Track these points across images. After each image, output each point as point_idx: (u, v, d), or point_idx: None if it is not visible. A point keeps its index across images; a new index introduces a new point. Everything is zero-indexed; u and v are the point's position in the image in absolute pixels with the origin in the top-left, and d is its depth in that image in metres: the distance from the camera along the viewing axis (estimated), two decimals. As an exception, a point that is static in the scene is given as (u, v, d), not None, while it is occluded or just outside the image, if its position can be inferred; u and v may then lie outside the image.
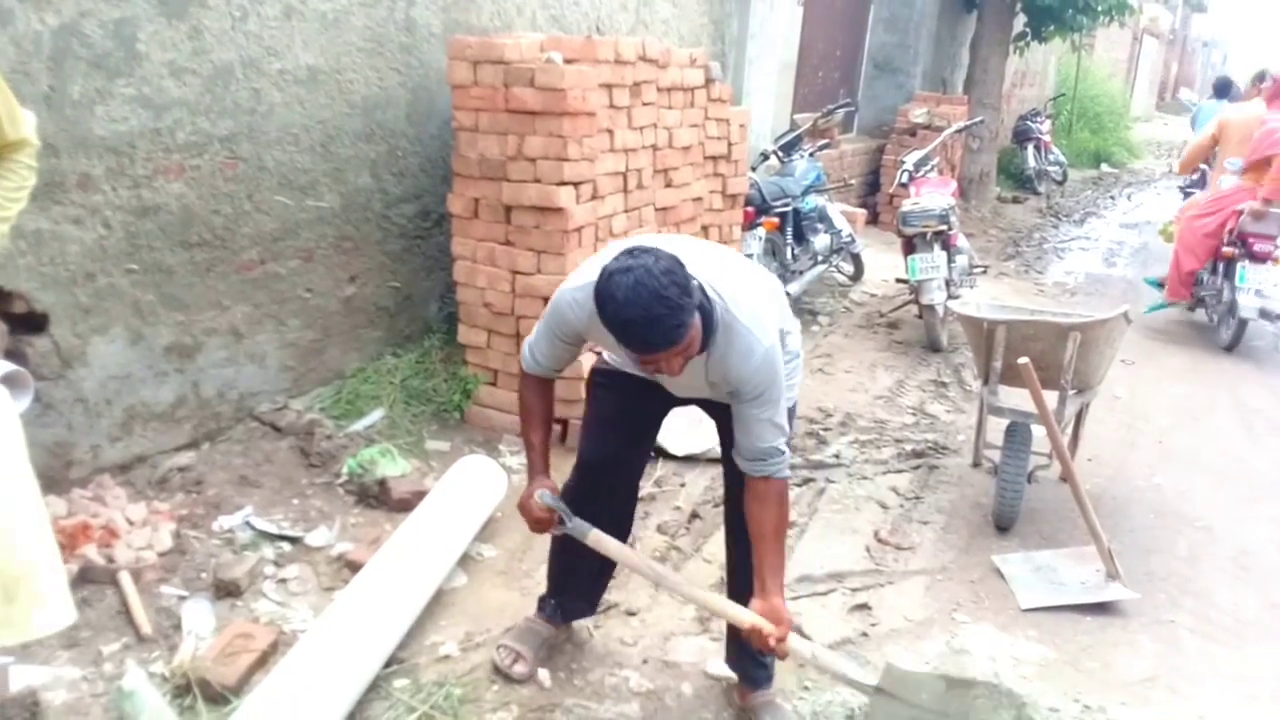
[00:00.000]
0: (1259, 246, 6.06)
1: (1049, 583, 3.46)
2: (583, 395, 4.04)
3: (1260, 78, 6.95)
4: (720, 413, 2.57)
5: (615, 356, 2.63)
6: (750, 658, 2.74)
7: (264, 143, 3.70)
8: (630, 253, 2.11)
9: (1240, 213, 6.14)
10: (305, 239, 3.95)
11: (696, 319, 2.14)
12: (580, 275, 2.36)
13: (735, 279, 2.34)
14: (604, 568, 2.91)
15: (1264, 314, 6.09)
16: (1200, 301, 6.66)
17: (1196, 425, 5.04)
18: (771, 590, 2.38)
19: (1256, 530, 4.04)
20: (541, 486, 2.53)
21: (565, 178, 3.90)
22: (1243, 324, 6.17)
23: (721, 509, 3.09)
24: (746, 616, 2.39)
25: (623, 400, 2.66)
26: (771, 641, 2.35)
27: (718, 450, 2.73)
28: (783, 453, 2.37)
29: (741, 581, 2.68)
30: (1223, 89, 9.96)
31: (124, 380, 3.41)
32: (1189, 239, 6.49)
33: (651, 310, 2.05)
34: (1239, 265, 6.08)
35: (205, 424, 3.70)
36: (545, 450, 2.60)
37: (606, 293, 2.09)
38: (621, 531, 2.87)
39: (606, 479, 2.73)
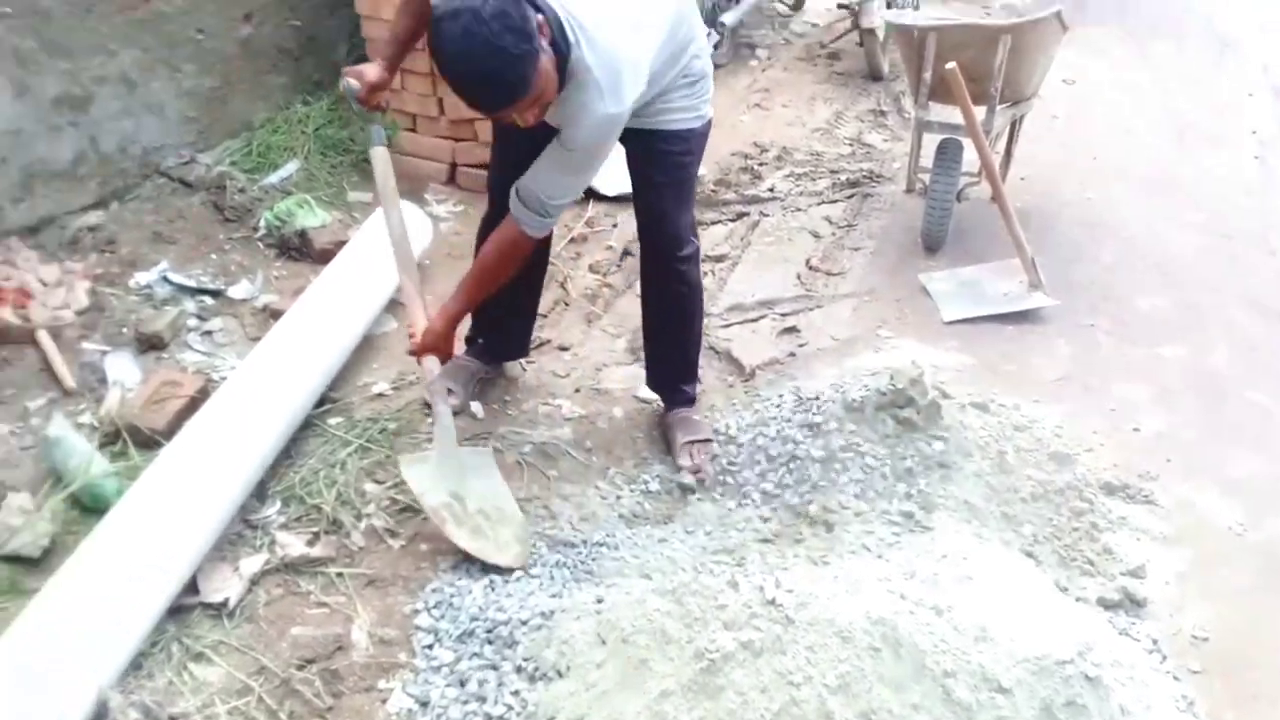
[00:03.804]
0: None
1: (973, 296, 3.53)
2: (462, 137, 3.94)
3: None
4: (633, 146, 2.43)
5: None
6: (668, 381, 2.80)
7: None
8: None
9: None
10: (188, -27, 3.63)
11: (544, 61, 1.91)
12: None
13: (610, 13, 2.07)
14: (523, 305, 2.88)
15: None
16: None
17: (1130, 140, 5.01)
18: (441, 311, 2.37)
19: (1179, 237, 4.10)
20: (351, 75, 2.42)
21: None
22: None
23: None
24: (417, 322, 2.40)
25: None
26: (409, 347, 2.42)
27: None
28: (545, 216, 2.23)
29: (654, 350, 2.78)
30: None
31: (15, 136, 3.21)
32: None
33: (484, 65, 1.84)
34: None
35: (111, 181, 3.52)
36: (396, 44, 2.46)
37: (437, 44, 1.86)
38: (540, 262, 2.78)
39: None
